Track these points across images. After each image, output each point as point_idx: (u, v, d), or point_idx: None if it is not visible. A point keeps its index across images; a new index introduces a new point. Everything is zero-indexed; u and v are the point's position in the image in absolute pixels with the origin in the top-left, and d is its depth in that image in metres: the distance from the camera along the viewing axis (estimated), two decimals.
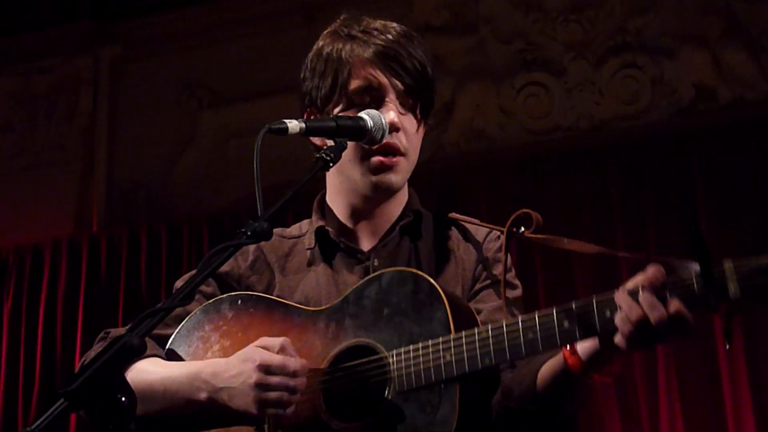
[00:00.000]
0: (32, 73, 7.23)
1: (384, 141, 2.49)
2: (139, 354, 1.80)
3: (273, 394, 2.25)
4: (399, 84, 2.55)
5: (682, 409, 5.47)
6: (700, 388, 5.49)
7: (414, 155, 2.60)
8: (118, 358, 1.75)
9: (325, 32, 2.65)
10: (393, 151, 2.52)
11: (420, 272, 2.38)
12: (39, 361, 6.60)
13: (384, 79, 2.54)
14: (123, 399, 1.75)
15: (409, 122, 2.58)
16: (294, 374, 2.27)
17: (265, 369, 2.26)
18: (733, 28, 6.12)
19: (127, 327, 1.96)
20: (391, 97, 2.55)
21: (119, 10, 7.13)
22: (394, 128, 2.51)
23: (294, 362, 2.28)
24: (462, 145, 6.45)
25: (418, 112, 2.60)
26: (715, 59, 6.11)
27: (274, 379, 2.25)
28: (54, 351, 6.61)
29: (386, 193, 2.58)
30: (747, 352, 5.38)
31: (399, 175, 2.55)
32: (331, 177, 2.65)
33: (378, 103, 2.54)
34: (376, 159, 2.51)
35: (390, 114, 2.51)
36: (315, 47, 2.64)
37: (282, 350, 2.30)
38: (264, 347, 2.31)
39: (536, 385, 2.35)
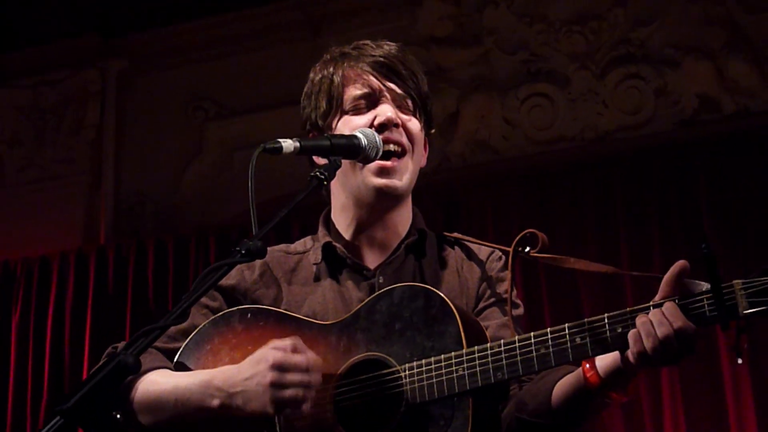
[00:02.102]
0: (40, 87, 7.27)
1: (384, 135, 2.51)
2: (134, 373, 1.82)
3: (289, 392, 2.24)
4: (394, 87, 2.58)
5: (685, 415, 5.48)
6: (703, 395, 5.49)
7: (418, 154, 2.62)
8: (113, 376, 1.78)
9: (317, 64, 2.69)
10: (394, 144, 2.54)
11: (431, 288, 2.40)
12: (47, 372, 6.62)
13: (378, 84, 2.58)
14: (118, 416, 1.78)
15: (410, 119, 2.60)
16: (308, 370, 2.26)
17: (279, 367, 2.25)
18: (736, 38, 6.13)
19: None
20: (387, 98, 2.57)
21: (126, 24, 7.17)
22: (392, 123, 2.53)
23: (307, 358, 2.27)
24: (467, 156, 6.47)
25: (418, 114, 2.62)
26: (718, 70, 6.11)
27: (290, 377, 2.25)
28: (62, 362, 6.63)
29: (391, 198, 2.59)
30: (750, 360, 5.39)
31: (403, 177, 2.56)
32: (335, 193, 2.68)
33: (373, 106, 2.56)
34: (377, 162, 2.53)
35: (386, 110, 2.54)
36: (309, 78, 2.68)
37: (294, 348, 2.29)
38: (276, 348, 2.30)
39: (551, 400, 2.39)
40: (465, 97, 6.52)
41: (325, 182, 2.32)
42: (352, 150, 2.44)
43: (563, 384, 2.39)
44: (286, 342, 2.31)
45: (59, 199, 7.08)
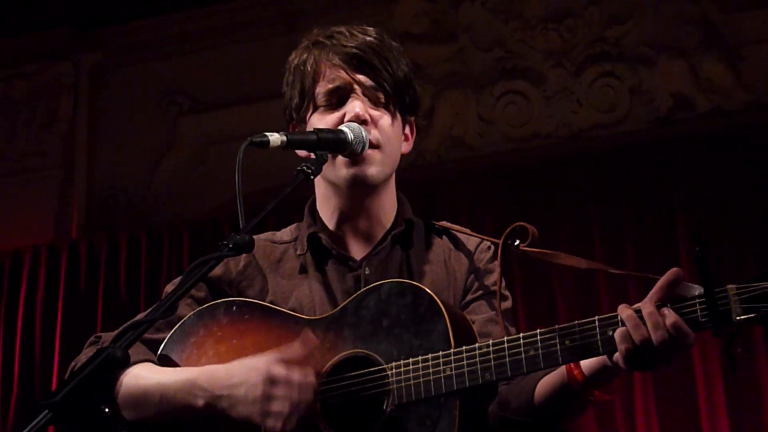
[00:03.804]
0: (12, 79, 7.21)
1: None
2: (123, 366, 1.81)
3: (278, 407, 2.22)
4: (365, 80, 2.54)
5: (657, 409, 5.51)
6: (676, 396, 5.52)
7: (391, 148, 2.57)
8: (101, 370, 1.76)
9: (296, 50, 2.66)
10: None
11: (420, 285, 2.38)
12: (17, 367, 6.56)
13: (347, 77, 2.54)
14: (106, 410, 1.77)
15: (381, 116, 2.56)
16: (301, 388, 2.24)
17: (272, 380, 2.23)
18: (710, 38, 6.17)
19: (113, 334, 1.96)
20: (357, 92, 2.54)
21: (100, 17, 7.12)
22: (360, 120, 2.50)
23: (300, 376, 2.25)
24: (441, 152, 6.48)
25: (391, 106, 2.59)
26: (692, 69, 6.15)
27: (281, 392, 2.23)
28: (32, 357, 6.57)
29: (364, 186, 2.55)
30: (722, 362, 5.43)
31: (374, 167, 2.52)
32: (317, 183, 2.65)
33: (344, 101, 2.54)
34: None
35: (355, 107, 2.51)
36: (288, 62, 2.65)
37: (290, 361, 2.27)
38: (271, 360, 2.27)
39: (534, 397, 2.39)
40: (440, 93, 6.52)
41: (312, 177, 2.32)
42: (339, 145, 2.43)
43: (546, 382, 2.38)
44: (283, 354, 2.28)
45: (31, 193, 7.02)
